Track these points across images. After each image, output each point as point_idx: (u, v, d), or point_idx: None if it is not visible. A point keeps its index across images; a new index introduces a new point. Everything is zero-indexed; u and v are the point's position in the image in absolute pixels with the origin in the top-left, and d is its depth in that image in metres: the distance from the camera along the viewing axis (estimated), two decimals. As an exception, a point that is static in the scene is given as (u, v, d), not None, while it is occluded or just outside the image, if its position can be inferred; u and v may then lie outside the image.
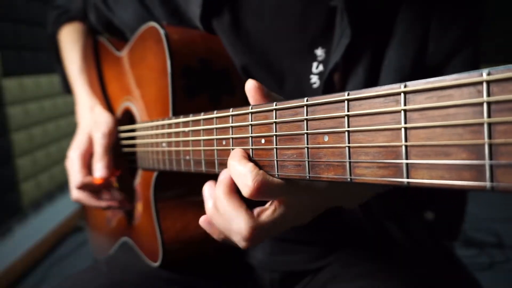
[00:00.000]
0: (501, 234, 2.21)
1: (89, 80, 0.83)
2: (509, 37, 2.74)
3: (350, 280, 0.60)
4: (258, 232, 0.39)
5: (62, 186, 2.44)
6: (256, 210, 0.40)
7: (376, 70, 0.58)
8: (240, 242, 0.40)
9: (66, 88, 0.93)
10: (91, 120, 0.75)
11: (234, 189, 0.41)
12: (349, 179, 0.30)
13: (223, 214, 0.41)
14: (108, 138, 0.71)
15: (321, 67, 0.60)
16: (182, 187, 0.65)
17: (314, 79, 0.61)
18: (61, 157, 2.42)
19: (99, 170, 0.69)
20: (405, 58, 0.56)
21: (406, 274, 0.58)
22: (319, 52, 0.60)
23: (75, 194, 0.71)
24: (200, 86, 0.61)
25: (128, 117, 0.78)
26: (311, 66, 0.61)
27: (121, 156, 0.76)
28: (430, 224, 0.65)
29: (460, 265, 0.67)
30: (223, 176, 0.42)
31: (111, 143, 0.72)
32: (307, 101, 0.33)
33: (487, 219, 2.32)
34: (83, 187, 0.69)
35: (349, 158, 0.29)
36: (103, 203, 0.71)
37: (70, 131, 2.52)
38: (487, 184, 0.20)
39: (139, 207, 0.71)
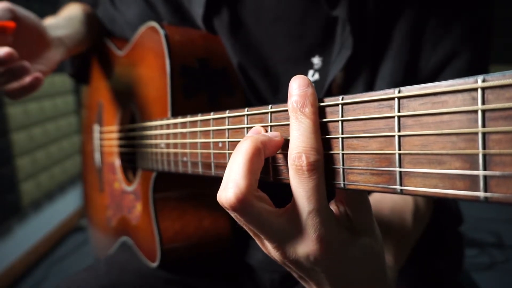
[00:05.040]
0: (501, 234, 2.21)
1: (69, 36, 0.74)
2: (509, 37, 2.73)
3: None
4: (241, 212, 0.31)
5: (62, 186, 2.44)
6: (262, 194, 0.33)
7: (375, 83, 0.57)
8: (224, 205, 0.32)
9: (73, 68, 0.90)
10: None
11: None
12: (342, 185, 0.29)
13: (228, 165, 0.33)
14: None
15: (316, 76, 0.60)
16: (181, 188, 0.65)
17: None
18: (61, 157, 2.42)
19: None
20: (398, 69, 0.56)
21: (407, 273, 0.58)
22: (316, 60, 0.60)
23: None
24: (199, 86, 0.61)
25: (129, 117, 0.78)
26: (306, 74, 0.61)
27: (121, 155, 0.75)
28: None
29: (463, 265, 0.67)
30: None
31: None
32: None
33: (487, 219, 2.31)
34: None
35: (343, 164, 0.29)
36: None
37: (70, 131, 2.52)
38: (481, 194, 0.20)
39: (138, 206, 0.70)
